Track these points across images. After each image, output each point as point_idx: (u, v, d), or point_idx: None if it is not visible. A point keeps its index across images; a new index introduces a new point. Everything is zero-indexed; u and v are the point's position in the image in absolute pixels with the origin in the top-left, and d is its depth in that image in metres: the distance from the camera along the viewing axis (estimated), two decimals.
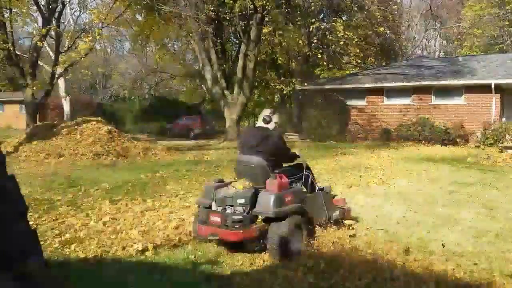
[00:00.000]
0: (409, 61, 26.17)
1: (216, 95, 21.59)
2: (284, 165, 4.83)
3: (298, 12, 24.27)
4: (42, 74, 29.28)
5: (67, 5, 19.89)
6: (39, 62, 18.59)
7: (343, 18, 26.16)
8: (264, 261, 4.24)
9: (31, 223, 3.35)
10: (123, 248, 4.52)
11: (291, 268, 3.99)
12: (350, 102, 21.34)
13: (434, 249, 4.67)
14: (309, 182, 4.93)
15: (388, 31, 24.66)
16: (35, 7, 16.57)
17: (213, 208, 4.37)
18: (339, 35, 23.32)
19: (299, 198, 4.42)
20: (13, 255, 1.07)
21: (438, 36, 42.80)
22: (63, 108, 26.19)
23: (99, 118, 15.45)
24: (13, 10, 15.84)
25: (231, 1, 21.21)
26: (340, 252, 4.34)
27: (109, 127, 14.56)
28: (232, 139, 20.20)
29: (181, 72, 33.67)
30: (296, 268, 3.99)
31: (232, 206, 4.23)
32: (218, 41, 25.49)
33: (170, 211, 6.10)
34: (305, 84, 24.42)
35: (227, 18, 23.59)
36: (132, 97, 35.33)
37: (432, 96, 19.38)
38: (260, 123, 4.70)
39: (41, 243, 2.67)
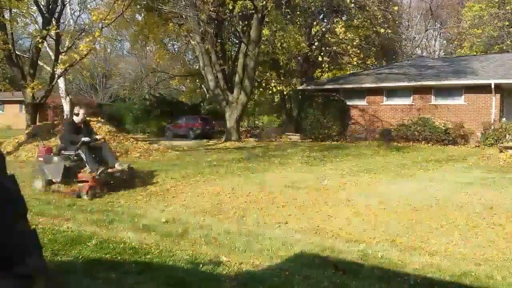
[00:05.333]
0: (409, 61, 26.17)
1: (217, 95, 21.58)
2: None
3: (298, 12, 24.26)
4: (42, 74, 29.27)
5: (67, 5, 19.86)
6: (39, 62, 18.57)
7: (343, 18, 26.16)
8: (264, 260, 4.24)
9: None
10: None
11: (291, 268, 4.00)
12: (350, 102, 21.33)
13: (435, 250, 4.67)
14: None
15: (389, 31, 24.59)
16: (35, 7, 16.56)
17: None
18: (339, 36, 23.32)
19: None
20: (13, 256, 1.07)
21: (438, 36, 42.82)
22: (63, 108, 26.17)
23: (99, 118, 15.46)
24: (13, 10, 15.82)
25: (231, 1, 21.21)
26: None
27: (109, 127, 14.57)
28: (234, 139, 20.18)
29: (181, 72, 33.66)
30: (297, 267, 3.99)
31: None
32: (218, 41, 25.48)
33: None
34: (305, 84, 24.41)
35: (227, 18, 23.58)
36: (132, 97, 35.32)
37: (432, 96, 19.38)
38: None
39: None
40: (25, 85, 16.09)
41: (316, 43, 25.53)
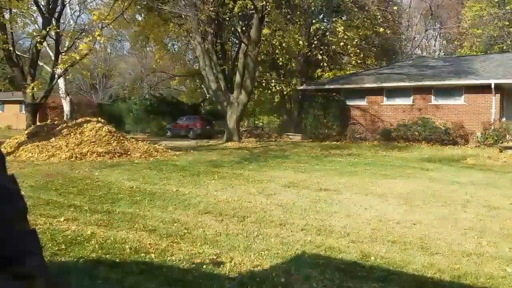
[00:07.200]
0: (410, 61, 26.18)
1: (217, 95, 21.59)
2: None
3: (298, 13, 24.27)
4: (42, 74, 29.28)
5: (67, 5, 19.87)
6: (39, 62, 18.58)
7: (343, 18, 26.17)
8: (264, 260, 4.24)
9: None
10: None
11: (292, 268, 4.00)
12: (350, 102, 21.34)
13: (435, 249, 4.67)
14: None
15: (388, 31, 24.62)
16: (35, 7, 16.57)
17: None
18: (339, 36, 23.34)
19: None
20: (13, 255, 1.07)
21: (438, 36, 42.81)
22: (63, 108, 26.19)
23: (99, 118, 15.45)
24: (13, 10, 15.82)
25: (231, 1, 21.22)
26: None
27: (109, 127, 14.55)
28: (234, 140, 20.19)
29: (181, 72, 33.68)
30: (297, 267, 3.99)
31: None
32: (218, 41, 25.49)
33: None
34: (306, 84, 24.43)
35: (227, 18, 23.60)
36: (132, 97, 35.33)
37: (432, 96, 19.38)
38: None
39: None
40: (25, 85, 16.09)
41: (316, 42, 25.53)
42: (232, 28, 26.46)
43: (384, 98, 20.64)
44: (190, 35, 22.68)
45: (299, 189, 8.12)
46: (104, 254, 4.35)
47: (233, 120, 20.75)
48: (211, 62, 21.34)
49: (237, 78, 21.31)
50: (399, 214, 6.21)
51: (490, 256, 4.47)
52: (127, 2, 17.21)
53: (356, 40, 24.16)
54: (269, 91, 27.57)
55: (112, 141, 13.62)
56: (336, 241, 4.91)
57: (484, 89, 17.78)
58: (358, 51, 24.74)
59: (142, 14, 23.43)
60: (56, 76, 17.67)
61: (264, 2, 18.60)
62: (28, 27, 17.72)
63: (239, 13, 21.62)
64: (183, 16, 20.87)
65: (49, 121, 17.44)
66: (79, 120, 14.98)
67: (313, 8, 26.61)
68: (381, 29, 23.68)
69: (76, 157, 12.31)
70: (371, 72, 23.65)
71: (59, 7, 17.21)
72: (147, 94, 38.83)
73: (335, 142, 19.54)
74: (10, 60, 16.41)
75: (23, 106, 22.67)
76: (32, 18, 16.92)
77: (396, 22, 28.86)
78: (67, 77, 23.73)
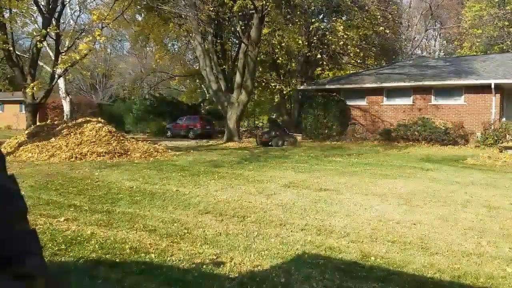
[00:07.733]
0: (411, 61, 26.19)
1: (217, 95, 21.59)
2: None
3: (298, 12, 24.27)
4: (42, 74, 29.25)
5: (67, 5, 19.87)
6: (39, 62, 18.58)
7: (343, 18, 26.18)
8: (264, 260, 4.24)
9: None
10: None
11: (292, 268, 4.00)
12: (351, 102, 21.35)
13: (435, 249, 4.67)
14: None
15: (388, 31, 24.62)
16: (35, 7, 16.57)
17: None
18: (339, 35, 23.34)
19: None
20: (13, 255, 1.07)
21: (438, 36, 42.83)
22: (63, 108, 26.18)
23: (99, 119, 15.44)
24: (13, 10, 15.82)
25: (231, 1, 21.24)
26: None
27: (109, 128, 14.55)
28: (235, 140, 20.20)
29: (181, 72, 33.68)
30: (297, 267, 3.99)
31: None
32: (218, 41, 25.50)
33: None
34: (306, 84, 24.43)
35: (227, 18, 23.59)
36: (132, 97, 35.35)
37: (432, 96, 19.39)
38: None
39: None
40: (25, 85, 16.08)
41: (316, 42, 25.52)
42: (232, 28, 26.46)
43: (384, 98, 20.65)
44: (190, 35, 22.68)
45: (299, 189, 8.11)
46: (104, 254, 4.34)
47: (233, 120, 20.75)
48: (211, 62, 21.34)
49: (237, 78, 21.32)
50: (399, 214, 6.21)
51: (490, 256, 4.47)
52: (127, 2, 17.23)
53: (356, 40, 24.16)
54: (269, 91, 27.55)
55: (112, 141, 13.61)
56: (336, 241, 4.91)
57: (484, 89, 17.79)
58: (358, 51, 24.75)
59: (142, 14, 23.44)
60: (56, 76, 17.68)
61: (264, 2, 18.60)
62: (28, 27, 17.74)
63: (239, 13, 21.62)
64: (183, 16, 20.88)
65: (49, 121, 17.43)
66: (79, 120, 14.97)
67: (313, 8, 26.61)
68: (381, 28, 23.70)
69: (76, 157, 12.31)
70: (371, 72, 23.65)
71: (59, 7, 17.21)
72: (147, 94, 38.84)
73: (335, 142, 19.55)
74: (10, 60, 16.40)
75: (23, 106, 22.66)
76: (32, 18, 16.91)
77: (396, 22, 28.87)
78: (67, 77, 23.75)
